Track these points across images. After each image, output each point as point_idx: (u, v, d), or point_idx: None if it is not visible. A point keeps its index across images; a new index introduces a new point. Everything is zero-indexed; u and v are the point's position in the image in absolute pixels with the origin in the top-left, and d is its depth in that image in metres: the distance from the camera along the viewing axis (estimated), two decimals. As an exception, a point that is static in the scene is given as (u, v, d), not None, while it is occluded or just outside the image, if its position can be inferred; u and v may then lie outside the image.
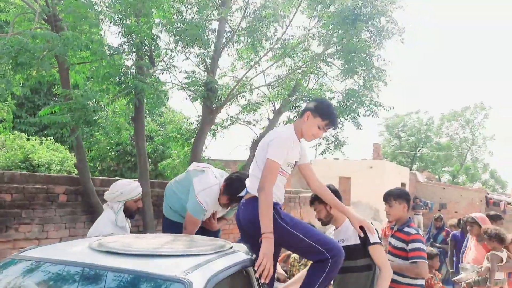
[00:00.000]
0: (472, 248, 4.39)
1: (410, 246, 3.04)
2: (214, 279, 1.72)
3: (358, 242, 2.70)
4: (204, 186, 3.22)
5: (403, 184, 18.02)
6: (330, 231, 2.98)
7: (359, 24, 5.79)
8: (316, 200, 2.88)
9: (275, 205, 2.39)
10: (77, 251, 2.12)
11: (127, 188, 3.02)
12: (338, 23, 5.90)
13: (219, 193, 3.25)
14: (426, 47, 66.75)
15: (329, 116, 2.56)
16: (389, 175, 15.27)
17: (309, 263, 3.07)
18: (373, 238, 2.68)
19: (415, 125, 31.72)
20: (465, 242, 4.87)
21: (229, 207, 3.40)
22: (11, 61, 4.18)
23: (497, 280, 4.03)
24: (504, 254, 4.09)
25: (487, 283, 3.98)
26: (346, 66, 6.25)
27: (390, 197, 3.22)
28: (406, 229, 3.12)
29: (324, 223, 2.92)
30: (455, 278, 4.41)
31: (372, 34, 6.17)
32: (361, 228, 2.67)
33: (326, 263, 2.34)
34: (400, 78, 40.96)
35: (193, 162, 3.83)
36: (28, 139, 8.45)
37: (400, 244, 3.12)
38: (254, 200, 2.40)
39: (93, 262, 1.89)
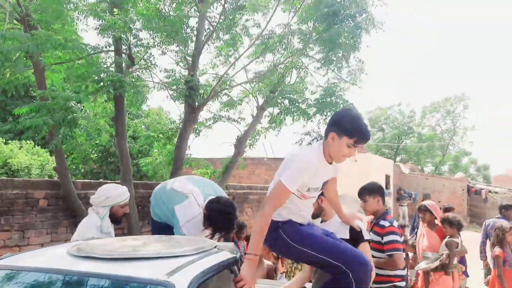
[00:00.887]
0: (425, 235, 4.53)
1: (385, 239, 3.13)
2: (198, 280, 1.68)
3: (347, 236, 2.70)
4: (188, 217, 3.09)
5: (387, 176, 18.27)
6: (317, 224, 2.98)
7: (338, 19, 5.82)
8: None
9: (285, 223, 2.26)
10: (55, 257, 2.04)
11: (114, 193, 2.93)
12: (317, 18, 5.90)
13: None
14: (418, 43, 67.78)
15: (357, 132, 2.21)
16: (374, 168, 15.45)
17: (304, 266, 3.09)
18: (366, 235, 2.74)
19: (397, 117, 32.20)
20: (416, 229, 5.01)
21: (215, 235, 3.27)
22: None
23: (454, 264, 4.25)
24: (459, 240, 4.32)
25: (447, 268, 4.17)
26: (326, 58, 6.26)
27: (364, 192, 3.33)
28: (381, 222, 3.21)
29: (314, 215, 2.92)
30: (416, 267, 4.52)
31: (351, 29, 6.18)
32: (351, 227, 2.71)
33: (344, 276, 2.19)
34: (386, 71, 41.47)
35: (179, 180, 3.51)
36: (6, 144, 8.21)
37: (376, 238, 3.19)
38: (274, 225, 2.22)
39: (72, 268, 1.82)
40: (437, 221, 4.45)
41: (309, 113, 6.62)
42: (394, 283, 3.19)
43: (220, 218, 2.92)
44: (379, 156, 22.71)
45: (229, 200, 3.20)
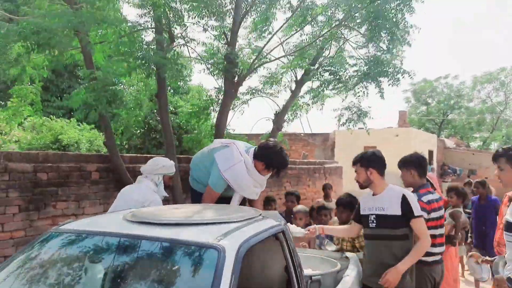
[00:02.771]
0: None
1: None
2: (245, 245, 1.76)
3: (399, 213, 2.72)
4: (229, 163, 3.24)
5: (430, 151, 17.62)
6: (364, 196, 2.99)
7: None
8: (358, 162, 2.90)
9: None
10: (112, 222, 2.20)
11: (168, 163, 3.28)
12: None
13: (253, 164, 3.27)
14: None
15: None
16: (415, 143, 14.94)
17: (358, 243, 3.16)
18: (417, 211, 2.73)
19: (444, 90, 30.57)
20: None
21: (269, 174, 3.42)
22: (27, 43, 4.24)
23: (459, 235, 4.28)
24: (461, 210, 4.36)
25: (454, 239, 4.15)
26: (370, 31, 6.01)
27: (399, 164, 3.30)
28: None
29: (362, 186, 2.94)
30: None
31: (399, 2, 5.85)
32: (405, 200, 2.71)
33: None
34: (431, 42, 39.16)
35: (216, 139, 3.83)
36: (56, 121, 8.71)
37: None
38: None
39: (129, 232, 1.96)
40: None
41: (352, 84, 6.45)
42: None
43: (274, 154, 3.11)
44: (422, 130, 21.87)
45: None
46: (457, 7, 62.82)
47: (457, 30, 63.20)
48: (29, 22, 4.13)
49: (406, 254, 2.70)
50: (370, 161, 2.86)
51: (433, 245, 3.15)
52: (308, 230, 3.16)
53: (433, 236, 3.17)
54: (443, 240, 3.34)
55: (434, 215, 3.19)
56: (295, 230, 3.11)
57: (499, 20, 59.74)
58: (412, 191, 3.18)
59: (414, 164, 3.26)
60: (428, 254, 3.15)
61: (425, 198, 3.17)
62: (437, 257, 3.23)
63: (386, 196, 2.82)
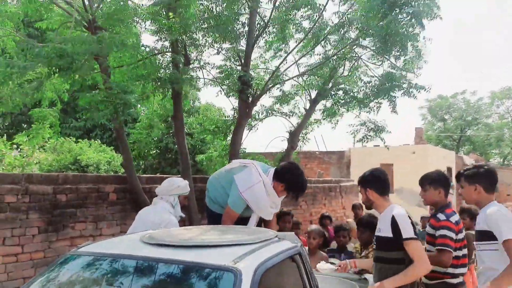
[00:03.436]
0: None
1: (437, 233, 2.93)
2: (262, 267, 1.75)
3: (391, 235, 2.61)
4: (248, 184, 3.25)
5: (449, 169, 17.25)
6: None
7: (396, 8, 5.61)
8: (359, 183, 2.87)
9: None
10: (130, 244, 2.22)
11: (182, 184, 3.28)
12: (373, 7, 5.71)
13: (272, 186, 3.28)
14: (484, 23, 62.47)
15: None
16: (433, 160, 14.67)
17: (371, 254, 3.09)
18: (406, 233, 2.57)
19: (461, 106, 30.12)
20: None
21: (285, 196, 3.42)
22: (49, 67, 4.42)
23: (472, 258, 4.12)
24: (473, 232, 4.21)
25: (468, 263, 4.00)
26: (382, 48, 6.05)
27: (425, 181, 3.13)
28: (438, 214, 3.02)
29: (367, 207, 2.90)
30: None
31: (410, 17, 5.90)
32: (394, 222, 2.59)
33: None
34: (445, 58, 38.89)
35: (234, 160, 3.85)
36: (76, 142, 8.93)
37: (431, 231, 3.04)
38: None
39: (146, 255, 1.98)
40: None
41: (366, 101, 6.45)
42: (444, 280, 3.01)
43: (296, 178, 3.09)
44: (439, 147, 21.50)
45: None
46: (457, 9, 62.39)
47: (458, 31, 62.65)
48: (54, 47, 4.31)
49: None
50: (367, 181, 2.81)
51: (456, 266, 3.06)
52: (339, 266, 3.05)
53: (457, 258, 3.08)
54: (466, 261, 3.25)
55: (460, 236, 3.11)
56: (324, 267, 3.03)
57: (500, 21, 59.18)
58: (435, 211, 3.11)
59: (443, 183, 3.14)
60: (452, 275, 3.06)
61: (453, 219, 3.07)
62: (461, 279, 3.14)
63: (383, 217, 2.75)
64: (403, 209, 2.76)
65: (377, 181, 2.77)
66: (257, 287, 1.66)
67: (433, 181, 3.13)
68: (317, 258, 3.74)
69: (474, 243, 2.53)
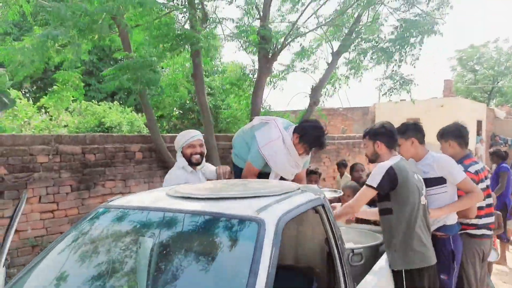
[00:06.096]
0: None
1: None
2: (284, 217, 1.77)
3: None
4: (267, 139, 3.24)
5: (479, 122, 16.67)
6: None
7: None
8: (367, 135, 2.80)
9: None
10: (157, 198, 2.29)
11: (177, 138, 3.19)
12: None
13: (292, 141, 3.25)
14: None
15: None
16: (462, 113, 14.16)
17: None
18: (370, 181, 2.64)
19: (493, 55, 28.42)
20: None
21: (307, 155, 3.39)
22: (76, 28, 4.39)
23: None
24: None
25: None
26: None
27: (437, 136, 3.27)
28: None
29: (370, 160, 2.84)
30: None
31: None
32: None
33: None
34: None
35: (256, 117, 3.82)
36: (98, 105, 9.08)
37: None
38: None
39: (172, 207, 2.03)
40: None
41: (391, 51, 6.17)
42: (466, 231, 3.03)
43: (313, 133, 3.09)
44: (469, 100, 20.65)
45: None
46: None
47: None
48: (77, 5, 4.25)
49: (390, 230, 2.55)
50: (377, 134, 2.72)
51: (480, 216, 3.03)
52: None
53: (480, 208, 3.04)
54: (491, 210, 3.20)
55: (481, 185, 3.05)
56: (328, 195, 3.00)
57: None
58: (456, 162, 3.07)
59: (452, 134, 3.16)
60: (475, 226, 3.04)
61: (472, 169, 3.04)
62: (487, 231, 3.10)
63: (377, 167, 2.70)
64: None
65: (388, 134, 2.71)
66: (280, 236, 1.68)
67: (443, 134, 3.21)
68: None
69: (423, 189, 2.63)
